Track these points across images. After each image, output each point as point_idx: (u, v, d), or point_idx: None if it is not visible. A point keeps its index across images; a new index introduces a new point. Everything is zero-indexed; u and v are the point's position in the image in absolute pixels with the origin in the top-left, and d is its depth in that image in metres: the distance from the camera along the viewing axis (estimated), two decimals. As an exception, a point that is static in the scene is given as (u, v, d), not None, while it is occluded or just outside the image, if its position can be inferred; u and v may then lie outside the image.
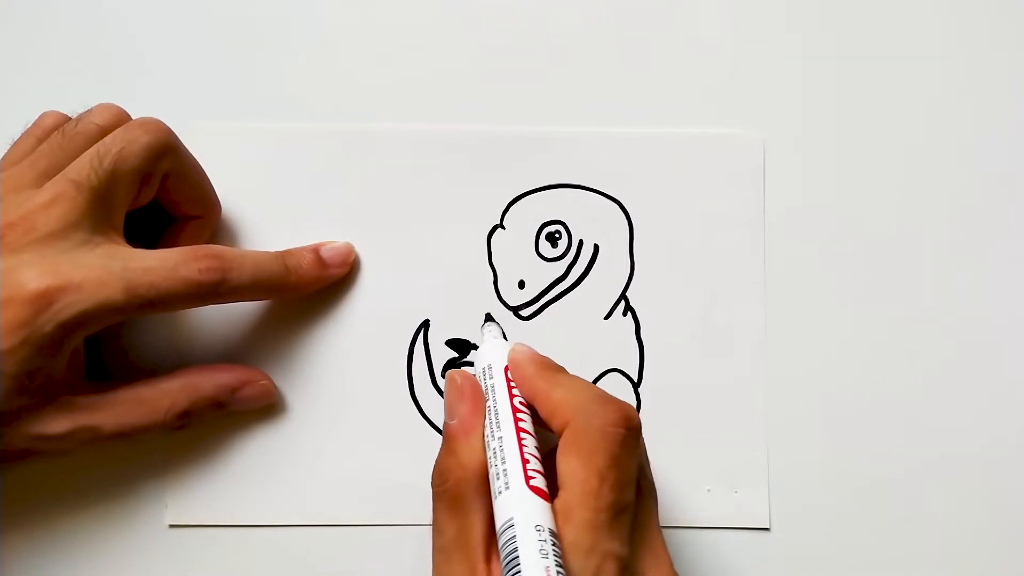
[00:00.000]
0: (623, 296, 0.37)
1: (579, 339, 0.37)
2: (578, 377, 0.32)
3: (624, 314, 0.37)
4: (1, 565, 0.36)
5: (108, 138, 0.32)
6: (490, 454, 0.29)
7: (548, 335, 0.37)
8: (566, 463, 0.28)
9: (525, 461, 0.28)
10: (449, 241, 0.37)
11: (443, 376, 0.37)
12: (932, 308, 0.38)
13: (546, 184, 0.38)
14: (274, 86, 0.38)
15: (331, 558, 0.36)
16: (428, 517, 0.36)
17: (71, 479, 0.36)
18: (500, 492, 0.28)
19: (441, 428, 0.37)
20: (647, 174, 0.38)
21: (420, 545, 0.36)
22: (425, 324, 0.37)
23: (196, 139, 0.35)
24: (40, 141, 0.33)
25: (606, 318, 0.37)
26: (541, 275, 0.37)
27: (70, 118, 0.34)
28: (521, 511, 0.27)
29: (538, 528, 0.26)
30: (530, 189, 0.38)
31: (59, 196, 0.31)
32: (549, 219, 0.38)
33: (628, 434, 0.29)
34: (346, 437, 0.37)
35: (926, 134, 0.38)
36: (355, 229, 0.37)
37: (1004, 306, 0.38)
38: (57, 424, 0.32)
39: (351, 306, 0.37)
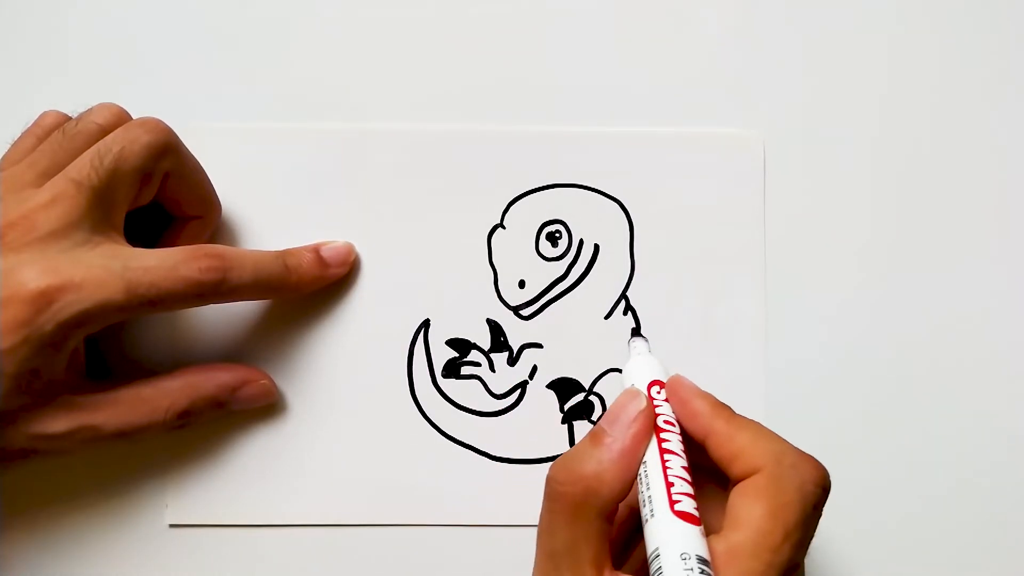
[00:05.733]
0: (623, 296, 0.37)
1: (579, 339, 0.37)
2: (756, 421, 0.30)
3: (624, 314, 0.37)
4: (1, 565, 0.36)
5: (108, 137, 0.32)
6: (638, 479, 0.28)
7: (548, 335, 0.37)
8: (748, 507, 0.27)
9: (669, 484, 0.27)
10: (449, 241, 0.37)
11: (443, 376, 0.37)
12: (933, 307, 0.38)
13: (546, 184, 0.38)
14: (274, 86, 0.38)
15: (331, 558, 0.36)
16: (427, 517, 0.36)
17: (71, 479, 0.36)
18: (647, 519, 0.27)
19: (443, 430, 0.37)
20: (647, 174, 0.38)
21: (420, 545, 0.36)
22: (425, 324, 0.37)
23: (196, 139, 0.35)
24: (40, 140, 0.33)
25: (606, 318, 0.37)
26: (541, 275, 0.37)
27: (70, 118, 0.34)
28: (666, 539, 0.26)
29: (683, 556, 0.26)
30: (530, 189, 0.38)
31: (59, 195, 0.31)
32: (549, 219, 0.38)
33: (823, 495, 0.28)
34: (346, 437, 0.37)
35: (926, 134, 0.38)
36: (355, 229, 0.37)
37: (1005, 305, 0.38)
38: (57, 423, 0.31)
39: (351, 306, 0.37)
